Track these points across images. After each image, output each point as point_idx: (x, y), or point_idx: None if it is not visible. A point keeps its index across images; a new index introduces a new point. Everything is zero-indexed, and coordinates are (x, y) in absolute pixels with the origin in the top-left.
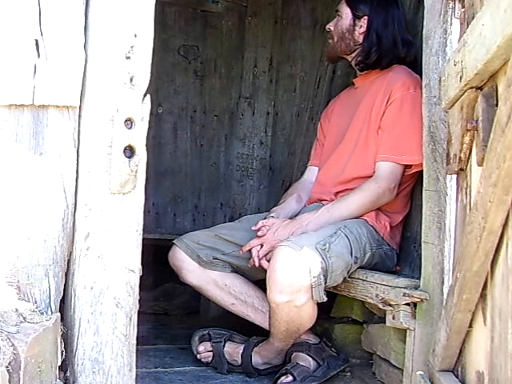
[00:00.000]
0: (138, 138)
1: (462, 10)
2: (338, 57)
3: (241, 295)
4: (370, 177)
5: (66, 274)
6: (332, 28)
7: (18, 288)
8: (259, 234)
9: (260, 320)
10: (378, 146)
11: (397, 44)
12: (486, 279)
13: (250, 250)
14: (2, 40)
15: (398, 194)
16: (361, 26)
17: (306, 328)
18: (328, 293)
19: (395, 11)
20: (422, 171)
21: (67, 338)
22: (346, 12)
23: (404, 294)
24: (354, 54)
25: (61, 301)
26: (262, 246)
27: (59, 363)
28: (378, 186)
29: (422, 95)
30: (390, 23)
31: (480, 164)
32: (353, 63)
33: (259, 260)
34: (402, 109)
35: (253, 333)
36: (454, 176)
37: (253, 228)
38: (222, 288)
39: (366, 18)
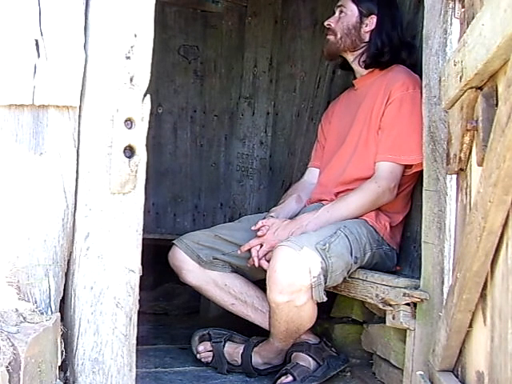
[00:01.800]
0: (138, 137)
1: (462, 9)
2: (338, 54)
3: (241, 295)
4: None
5: (66, 274)
6: (333, 24)
7: (18, 288)
8: (259, 233)
9: (260, 320)
10: (377, 146)
11: (402, 45)
12: (486, 279)
13: (249, 250)
14: (2, 40)
15: (398, 194)
16: (367, 24)
17: (305, 328)
18: (328, 293)
19: (397, 12)
20: (422, 171)
21: (67, 338)
22: (351, 8)
23: (404, 294)
24: (356, 52)
25: (61, 301)
26: (261, 245)
27: (59, 363)
28: (377, 185)
29: (422, 95)
30: (397, 24)
31: (480, 164)
32: (354, 61)
33: (259, 260)
34: (401, 109)
35: (253, 333)
36: (454, 176)
37: (252, 228)
38: (222, 288)
39: (373, 16)
